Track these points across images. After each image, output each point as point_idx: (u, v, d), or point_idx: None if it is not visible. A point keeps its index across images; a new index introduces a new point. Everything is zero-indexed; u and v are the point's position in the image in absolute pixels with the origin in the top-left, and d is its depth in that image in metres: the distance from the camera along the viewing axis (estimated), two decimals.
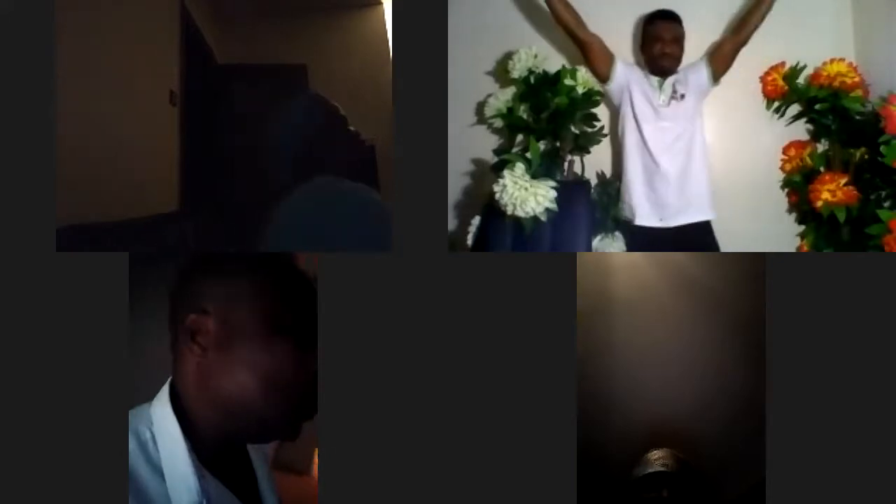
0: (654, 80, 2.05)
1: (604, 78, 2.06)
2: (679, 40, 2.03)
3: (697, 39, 2.11)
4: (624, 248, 2.08)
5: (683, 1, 2.10)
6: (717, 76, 2.04)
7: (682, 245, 1.93)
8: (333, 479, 1.50)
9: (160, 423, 0.96)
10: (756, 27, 1.98)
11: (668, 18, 2.03)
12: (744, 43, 2.01)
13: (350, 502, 1.50)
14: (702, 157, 2.03)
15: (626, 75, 2.05)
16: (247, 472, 1.08)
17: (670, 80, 2.04)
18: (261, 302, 0.97)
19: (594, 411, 1.61)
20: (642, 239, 2.02)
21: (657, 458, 1.64)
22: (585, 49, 2.03)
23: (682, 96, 2.02)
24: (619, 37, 2.21)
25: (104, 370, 1.49)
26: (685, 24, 2.04)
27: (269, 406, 0.97)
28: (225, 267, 0.99)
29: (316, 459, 1.78)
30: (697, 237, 2.00)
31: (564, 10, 1.99)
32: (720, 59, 2.03)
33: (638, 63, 2.15)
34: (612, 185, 2.16)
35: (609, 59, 2.04)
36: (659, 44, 2.02)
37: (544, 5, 2.01)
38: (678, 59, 2.04)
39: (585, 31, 2.01)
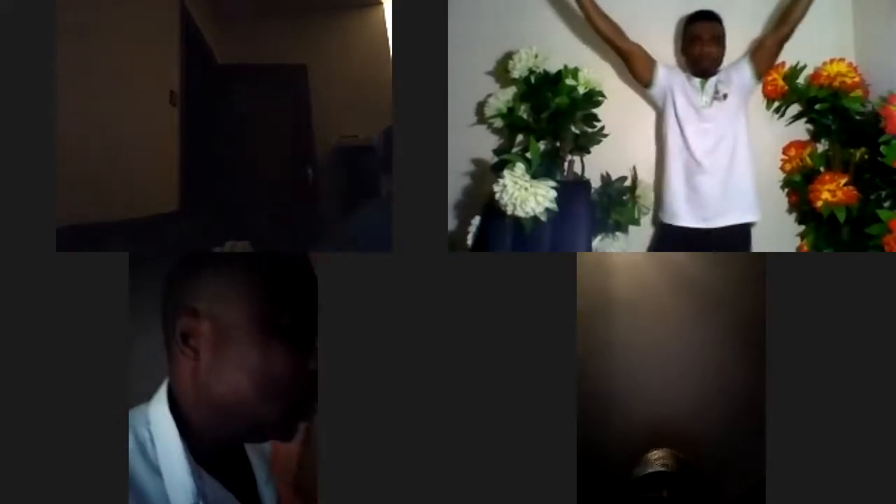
0: (696, 81, 2.06)
1: (646, 83, 2.09)
2: (719, 40, 2.04)
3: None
4: (624, 248, 2.08)
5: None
6: (760, 74, 2.05)
7: (720, 247, 1.95)
8: (333, 479, 1.50)
9: (158, 424, 0.96)
10: (798, 22, 1.98)
11: (707, 18, 2.04)
12: (787, 38, 2.01)
13: (350, 502, 1.50)
14: (746, 157, 2.03)
15: (669, 79, 2.07)
16: (245, 472, 1.08)
17: (712, 80, 2.05)
18: (253, 302, 0.96)
19: (594, 411, 1.61)
20: (681, 240, 2.03)
21: (657, 458, 1.64)
22: (627, 57, 2.06)
23: (725, 96, 2.03)
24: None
25: (104, 370, 1.49)
26: (726, 22, 2.05)
27: (264, 406, 0.96)
28: (215, 267, 0.98)
29: None
30: (738, 238, 2.02)
31: (603, 21, 2.02)
32: (763, 57, 2.04)
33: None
34: (613, 186, 2.16)
35: (651, 64, 2.07)
36: (698, 45, 2.03)
37: (551, 4, 2.02)
38: (719, 59, 2.05)
39: (625, 39, 2.04)
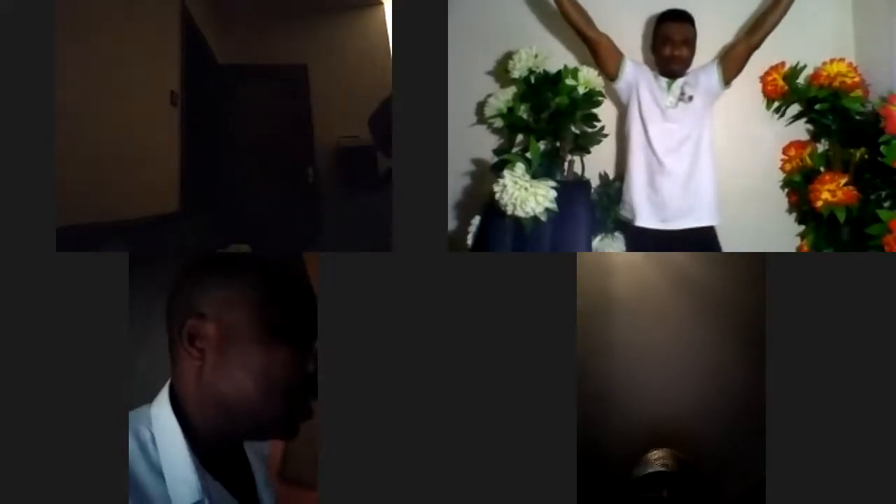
0: (663, 80, 2.04)
1: (612, 76, 2.06)
2: (690, 42, 2.02)
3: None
4: (624, 248, 2.08)
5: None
6: (728, 79, 2.03)
7: (684, 249, 1.92)
8: (333, 479, 1.50)
9: (160, 424, 0.97)
10: (770, 31, 1.97)
11: (679, 19, 2.02)
12: (756, 46, 2.00)
13: (350, 500, 1.50)
14: (709, 160, 2.01)
15: (635, 74, 2.05)
16: (245, 473, 1.09)
17: (679, 81, 2.03)
18: (257, 305, 0.98)
19: (594, 411, 1.61)
20: (643, 240, 2.02)
21: (657, 458, 1.64)
22: (594, 47, 2.04)
23: (691, 98, 2.01)
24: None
25: (104, 370, 1.49)
26: (697, 23, 2.03)
27: (266, 407, 0.98)
28: (222, 270, 1.00)
29: None
30: (700, 241, 1.99)
31: (573, 8, 1.99)
32: (732, 62, 2.02)
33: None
34: (613, 186, 2.16)
35: (618, 57, 2.04)
36: (669, 46, 2.01)
37: (551, 4, 2.01)
38: (688, 62, 2.03)
39: (594, 29, 2.02)
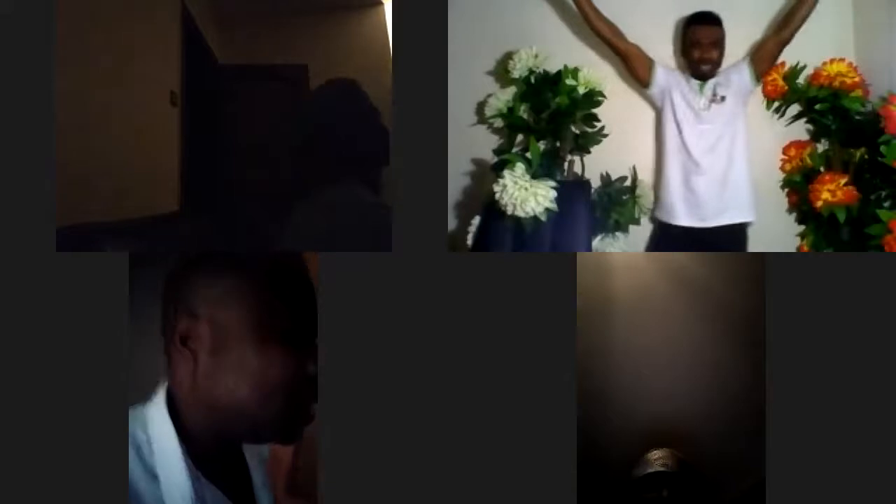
0: (695, 83, 2.07)
1: (645, 83, 2.10)
2: (719, 43, 2.04)
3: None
4: (624, 248, 2.08)
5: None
6: (759, 76, 2.06)
7: (717, 246, 1.96)
8: (334, 479, 1.50)
9: (155, 426, 0.96)
10: (800, 25, 1.99)
11: (707, 22, 2.04)
12: (787, 42, 2.02)
13: (350, 499, 1.50)
14: (743, 158, 2.05)
15: (667, 79, 2.08)
16: (242, 475, 1.08)
17: (711, 82, 2.06)
18: (252, 305, 0.96)
19: (594, 411, 1.61)
20: (678, 240, 2.05)
21: (657, 458, 1.64)
22: (625, 57, 2.08)
23: (723, 98, 2.04)
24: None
25: (103, 371, 1.49)
26: (726, 23, 2.05)
27: (262, 409, 0.96)
28: (215, 270, 0.98)
29: None
30: (732, 238, 2.04)
31: (600, 22, 2.03)
32: (763, 59, 2.05)
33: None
34: (613, 186, 2.16)
35: (649, 64, 2.08)
36: (698, 49, 2.04)
37: (551, 4, 2.02)
38: (718, 63, 2.06)
39: (623, 40, 2.06)
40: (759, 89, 2.17)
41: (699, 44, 2.04)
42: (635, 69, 2.09)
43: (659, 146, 2.16)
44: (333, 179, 1.61)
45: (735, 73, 2.06)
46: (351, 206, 1.58)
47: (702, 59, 2.04)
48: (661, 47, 2.21)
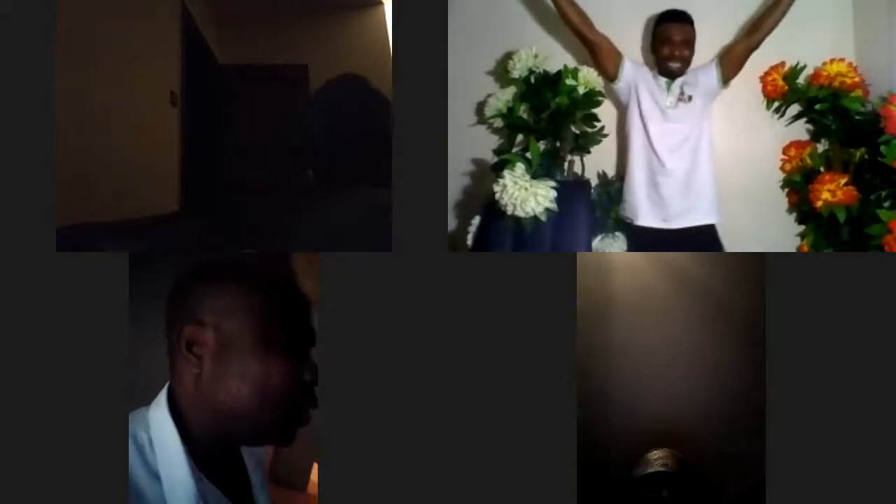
0: (663, 80, 2.04)
1: (611, 77, 2.07)
2: (689, 42, 2.02)
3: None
4: (624, 248, 2.08)
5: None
6: (726, 79, 2.03)
7: (685, 247, 1.93)
8: (333, 478, 1.50)
9: (157, 427, 0.97)
10: (770, 31, 1.98)
11: (678, 20, 2.02)
12: (756, 47, 2.01)
13: (350, 499, 1.50)
14: (708, 159, 2.02)
15: (634, 75, 2.05)
16: (241, 477, 1.09)
17: (679, 81, 2.03)
18: (257, 313, 0.99)
19: (594, 411, 1.61)
20: (644, 239, 2.02)
21: (657, 458, 1.64)
22: (593, 48, 2.04)
23: (690, 98, 2.02)
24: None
25: (103, 371, 1.49)
26: (697, 23, 2.03)
27: (262, 415, 0.99)
28: (221, 279, 1.00)
29: (314, 476, 1.77)
30: (701, 240, 2.00)
31: (571, 10, 1.99)
32: (731, 62, 2.03)
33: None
34: (613, 185, 2.16)
35: (617, 58, 2.05)
36: (668, 46, 2.01)
37: (550, 5, 2.01)
38: (687, 62, 2.03)
39: (593, 30, 2.02)
40: (758, 90, 2.17)
41: (670, 41, 2.00)
42: (603, 62, 2.04)
43: (623, 144, 2.12)
44: (336, 179, 1.61)
45: (703, 73, 2.03)
46: (352, 206, 1.57)
47: (672, 56, 2.00)
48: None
